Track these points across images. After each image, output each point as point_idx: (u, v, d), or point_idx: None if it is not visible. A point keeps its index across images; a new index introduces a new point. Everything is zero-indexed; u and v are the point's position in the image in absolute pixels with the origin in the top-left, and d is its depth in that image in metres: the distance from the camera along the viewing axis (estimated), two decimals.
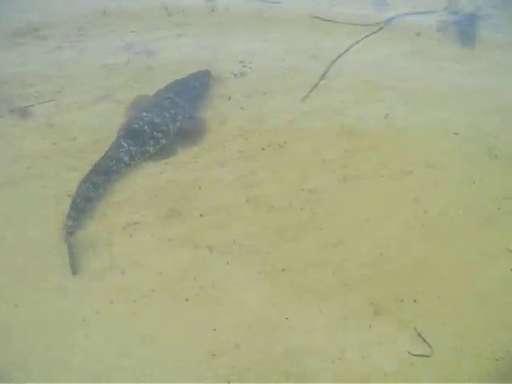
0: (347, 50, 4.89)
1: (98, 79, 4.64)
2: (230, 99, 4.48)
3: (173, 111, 4.24)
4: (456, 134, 4.22)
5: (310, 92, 4.51)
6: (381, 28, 5.18)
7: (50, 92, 4.53)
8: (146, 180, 3.95)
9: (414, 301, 3.25)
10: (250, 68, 4.71)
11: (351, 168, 3.96)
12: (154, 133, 4.11)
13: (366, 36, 5.07)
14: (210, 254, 3.50)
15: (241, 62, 4.76)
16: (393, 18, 5.30)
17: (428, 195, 3.80)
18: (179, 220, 3.68)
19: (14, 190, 3.89)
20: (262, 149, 4.10)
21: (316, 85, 4.58)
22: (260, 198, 3.77)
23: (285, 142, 4.14)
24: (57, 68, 4.73)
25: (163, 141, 4.15)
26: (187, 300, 3.32)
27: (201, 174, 3.95)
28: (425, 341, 3.11)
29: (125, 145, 4.01)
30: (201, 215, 3.70)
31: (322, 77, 4.65)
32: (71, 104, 4.45)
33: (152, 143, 4.09)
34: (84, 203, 3.74)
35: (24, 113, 4.30)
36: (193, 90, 4.44)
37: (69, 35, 5.04)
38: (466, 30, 5.26)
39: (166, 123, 4.17)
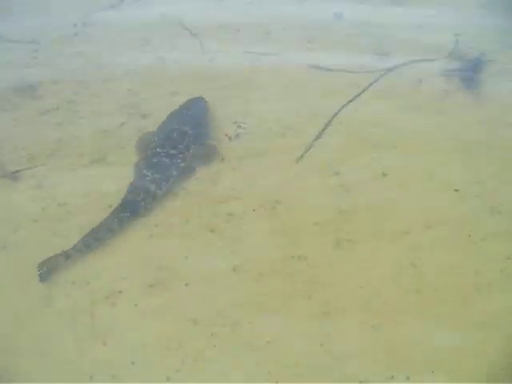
0: (344, 106, 4.81)
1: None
2: (222, 160, 4.38)
3: (185, 142, 4.41)
4: (457, 190, 4.05)
5: (306, 152, 4.40)
6: (381, 77, 5.15)
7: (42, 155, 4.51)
8: (133, 246, 3.82)
9: (407, 378, 3.04)
10: (245, 129, 4.63)
11: (345, 231, 3.79)
12: (174, 160, 4.29)
13: (366, 88, 5.02)
14: (194, 325, 3.34)
15: (235, 122, 4.69)
16: (394, 66, 5.28)
17: (426, 258, 3.62)
18: (163, 289, 3.53)
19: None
20: (253, 210, 3.97)
21: (312, 144, 4.47)
22: (248, 265, 3.61)
23: (277, 202, 4.00)
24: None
25: (182, 164, 4.30)
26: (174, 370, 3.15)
27: (189, 239, 3.82)
28: None
29: (149, 174, 4.17)
30: (186, 284, 3.56)
31: (319, 135, 4.55)
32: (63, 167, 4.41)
33: (174, 168, 4.25)
34: (105, 232, 3.80)
35: (14, 177, 4.28)
36: (193, 118, 4.63)
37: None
38: (470, 77, 5.17)
39: (182, 152, 4.34)
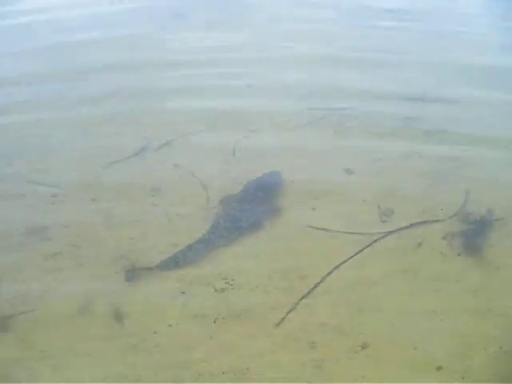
0: (337, 267, 4.81)
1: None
2: (215, 322, 4.38)
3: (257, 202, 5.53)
4: (439, 368, 3.88)
5: (288, 314, 4.38)
6: (381, 238, 5.13)
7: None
8: None
9: None
10: (232, 285, 4.68)
11: None
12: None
13: (362, 250, 5.00)
14: None
15: (224, 278, 4.75)
16: (396, 227, 5.26)
17: None
18: None
19: None
20: (223, 373, 3.92)
21: (296, 304, 4.46)
22: None
23: (247, 369, 3.95)
24: None
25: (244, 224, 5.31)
26: None
27: None
28: None
29: (221, 222, 5.28)
30: None
31: (305, 296, 4.54)
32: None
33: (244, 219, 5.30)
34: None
35: (5, 325, 4.44)
36: (269, 186, 5.78)
37: None
38: (472, 241, 5.07)
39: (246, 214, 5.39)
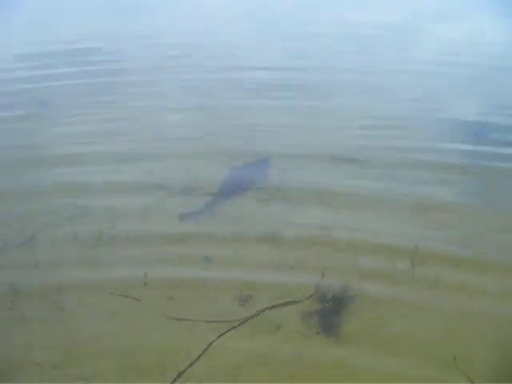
0: (197, 358, 4.80)
1: None
2: None
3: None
4: None
5: None
6: (239, 325, 5.16)
7: None
8: None
9: None
10: None
11: None
12: None
13: (220, 337, 5.02)
14: None
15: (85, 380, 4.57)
16: (252, 314, 5.31)
17: None
18: None
19: None
20: None
21: None
22: None
23: None
24: None
25: None
26: None
27: None
28: None
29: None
30: None
31: None
32: None
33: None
34: None
35: None
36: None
37: None
38: (328, 320, 5.23)
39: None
